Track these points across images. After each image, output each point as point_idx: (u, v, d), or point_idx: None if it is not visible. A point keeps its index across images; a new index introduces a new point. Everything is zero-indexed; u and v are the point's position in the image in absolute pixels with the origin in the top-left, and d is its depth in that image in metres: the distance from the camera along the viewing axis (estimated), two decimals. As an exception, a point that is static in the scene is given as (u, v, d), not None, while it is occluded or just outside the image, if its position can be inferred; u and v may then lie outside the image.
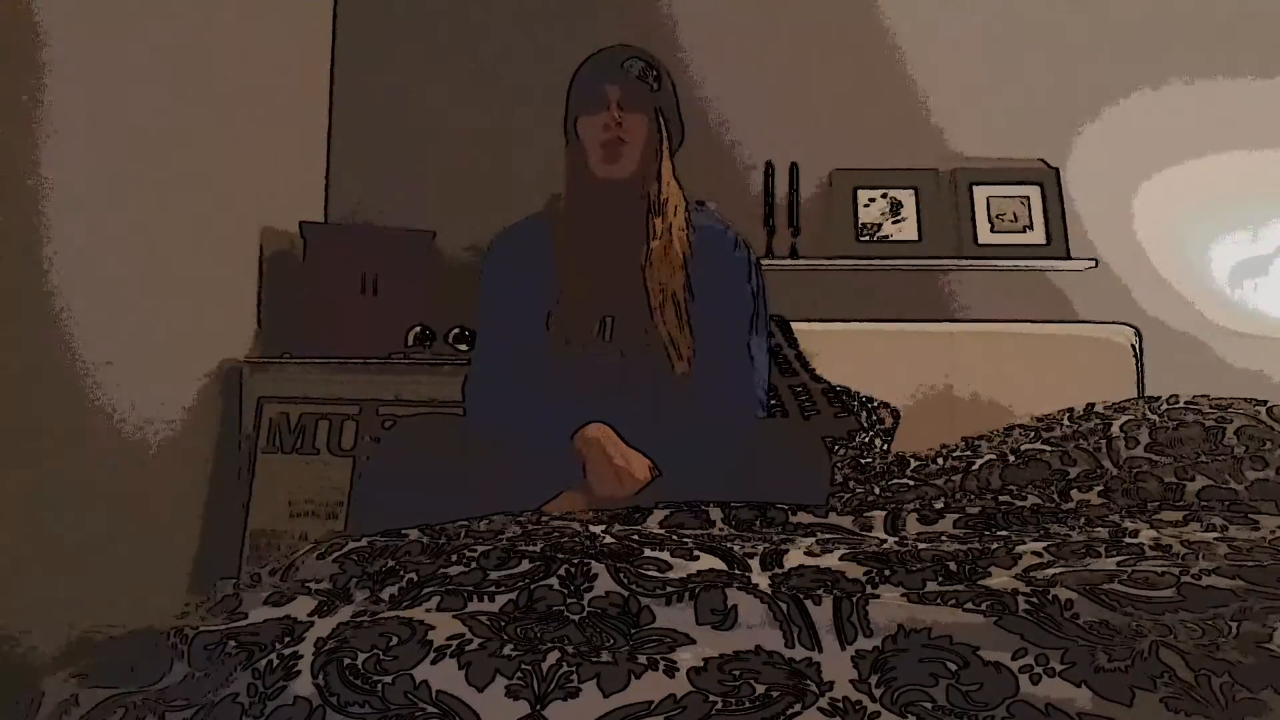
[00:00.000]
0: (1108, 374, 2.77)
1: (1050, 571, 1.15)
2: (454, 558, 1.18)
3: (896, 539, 1.41)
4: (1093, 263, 2.96)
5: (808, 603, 1.04)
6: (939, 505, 1.90)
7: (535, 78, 2.92)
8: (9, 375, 1.99)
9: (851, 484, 2.13)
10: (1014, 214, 3.01)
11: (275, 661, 1.01)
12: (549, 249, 1.91)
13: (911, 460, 2.25)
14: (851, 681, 0.96)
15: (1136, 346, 2.84)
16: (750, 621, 1.04)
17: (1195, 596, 1.05)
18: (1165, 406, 2.23)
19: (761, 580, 1.13)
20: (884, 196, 3.05)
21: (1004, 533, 1.45)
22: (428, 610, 1.08)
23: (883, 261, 3.01)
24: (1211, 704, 0.91)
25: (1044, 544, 1.28)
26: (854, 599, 1.04)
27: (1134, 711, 0.91)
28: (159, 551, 2.43)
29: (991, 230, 3.01)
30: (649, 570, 1.13)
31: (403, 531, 1.33)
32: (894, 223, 3.03)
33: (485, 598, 1.10)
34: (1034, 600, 1.02)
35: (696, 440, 1.79)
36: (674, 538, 1.32)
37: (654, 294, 1.85)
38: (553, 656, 0.98)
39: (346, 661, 0.99)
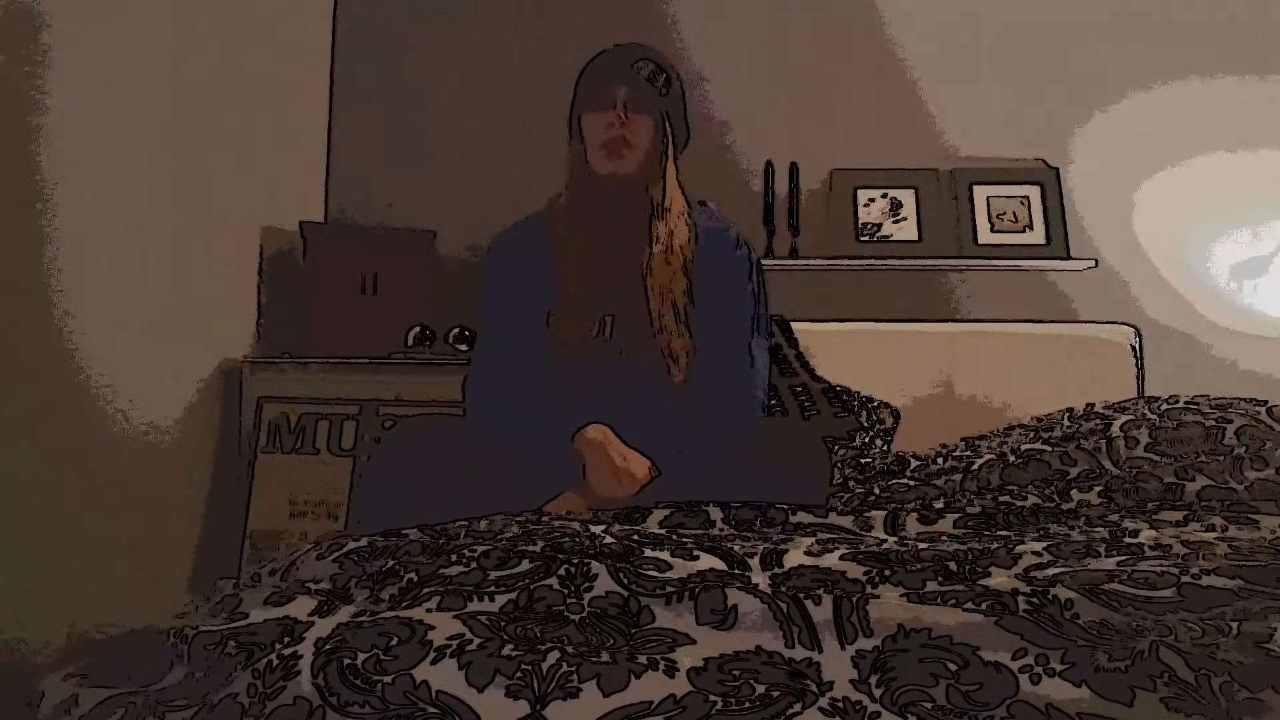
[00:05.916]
0: (1108, 374, 2.77)
1: (1050, 571, 1.15)
2: (454, 558, 1.18)
3: (896, 539, 1.41)
4: (1093, 263, 2.96)
5: (808, 603, 1.04)
6: (939, 505, 1.90)
7: (536, 77, 2.94)
8: (9, 375, 1.99)
9: (851, 484, 2.13)
10: (1014, 214, 3.01)
11: (275, 661, 1.01)
12: (549, 248, 1.91)
13: (912, 460, 2.25)
14: (851, 681, 0.96)
15: (1136, 346, 2.84)
16: (750, 621, 1.04)
17: (1195, 596, 1.05)
18: (1165, 406, 2.23)
19: (761, 580, 1.13)
20: (884, 196, 3.04)
21: (1004, 533, 1.45)
22: (428, 610, 1.08)
23: (883, 261, 3.00)
24: (1211, 704, 0.91)
25: (1044, 544, 1.28)
26: (854, 599, 1.04)
27: (1134, 711, 0.91)
28: (159, 551, 2.43)
29: (991, 230, 3.01)
30: (649, 570, 1.13)
31: (403, 531, 1.33)
32: (894, 223, 3.03)
33: (485, 598, 1.10)
34: (1034, 600, 1.02)
35: (696, 440, 1.79)
36: (674, 538, 1.32)
37: (654, 300, 1.85)
38: (553, 656, 0.98)
39: (346, 661, 0.99)
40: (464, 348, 2.73)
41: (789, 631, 1.02)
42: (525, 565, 1.15)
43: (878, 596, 1.06)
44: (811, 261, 2.99)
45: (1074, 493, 1.95)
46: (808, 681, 0.96)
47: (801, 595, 1.06)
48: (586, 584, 1.10)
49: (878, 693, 0.95)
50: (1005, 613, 1.00)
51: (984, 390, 2.76)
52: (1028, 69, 3.03)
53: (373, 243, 2.91)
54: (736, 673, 0.97)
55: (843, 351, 2.72)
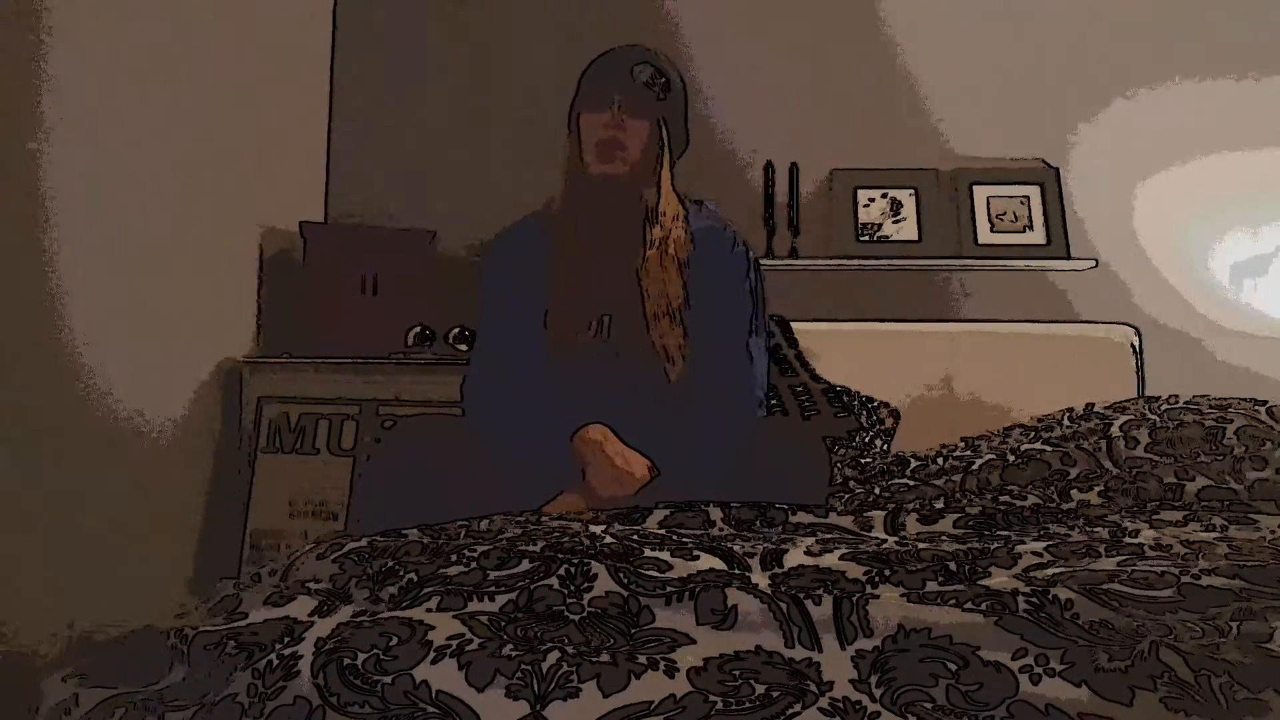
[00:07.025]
0: (1108, 374, 2.77)
1: (1050, 571, 1.15)
2: (454, 558, 1.18)
3: (896, 539, 1.41)
4: (1093, 263, 2.96)
5: (808, 602, 1.04)
6: (939, 505, 1.90)
7: (535, 77, 2.94)
8: (9, 375, 1.99)
9: (851, 484, 2.13)
10: (1014, 214, 3.01)
11: (275, 661, 1.01)
12: (548, 248, 1.91)
13: (911, 460, 2.25)
14: (851, 681, 0.96)
15: (1136, 346, 2.84)
16: (750, 621, 1.04)
17: (1195, 596, 1.05)
18: (1165, 406, 2.23)
19: (761, 580, 1.13)
20: (884, 196, 3.04)
21: (1004, 533, 1.45)
22: (428, 610, 1.08)
23: (883, 261, 3.00)
24: (1211, 704, 0.90)
25: (1044, 544, 1.28)
26: (854, 599, 1.04)
27: (1134, 711, 0.91)
28: (159, 551, 2.43)
29: (991, 230, 3.01)
30: (649, 570, 1.13)
31: (402, 531, 1.33)
32: (894, 223, 3.03)
33: (485, 598, 1.10)
34: (1034, 600, 1.02)
35: (696, 440, 1.79)
36: (674, 538, 1.32)
37: (649, 304, 1.85)
38: (553, 656, 0.98)
39: (346, 661, 0.99)
40: (464, 348, 2.73)
41: (789, 631, 1.02)
42: (525, 565, 1.15)
43: (878, 596, 1.06)
44: (811, 261, 2.99)
45: (1074, 493, 1.95)
46: (808, 681, 0.96)
47: (801, 595, 1.06)
48: (586, 584, 1.10)
49: (878, 693, 0.95)
50: (1005, 613, 1.00)
51: (984, 390, 2.76)
52: (1028, 69, 3.03)
53: (373, 243, 2.91)
54: (736, 673, 0.97)
55: (843, 351, 2.72)
